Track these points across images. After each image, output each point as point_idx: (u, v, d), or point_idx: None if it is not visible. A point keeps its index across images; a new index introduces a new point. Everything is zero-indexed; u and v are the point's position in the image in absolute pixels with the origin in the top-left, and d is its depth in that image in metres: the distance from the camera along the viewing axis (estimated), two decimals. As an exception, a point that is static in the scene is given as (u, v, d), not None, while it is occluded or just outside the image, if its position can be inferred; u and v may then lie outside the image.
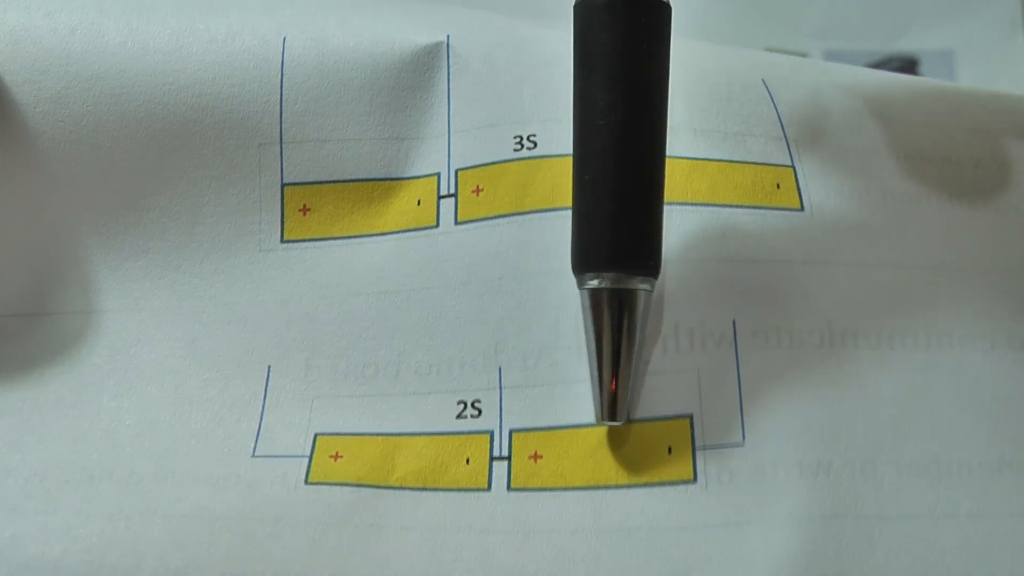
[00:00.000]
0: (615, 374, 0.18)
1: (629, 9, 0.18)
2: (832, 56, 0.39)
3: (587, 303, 0.18)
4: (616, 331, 0.18)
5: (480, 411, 0.19)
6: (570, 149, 0.21)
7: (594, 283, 0.18)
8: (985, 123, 0.23)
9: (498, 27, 0.23)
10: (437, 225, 0.21)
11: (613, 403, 0.18)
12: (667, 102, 0.18)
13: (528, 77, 0.22)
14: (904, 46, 0.39)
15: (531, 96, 0.22)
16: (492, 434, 0.19)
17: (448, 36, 0.22)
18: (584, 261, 0.18)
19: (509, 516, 0.18)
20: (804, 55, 0.38)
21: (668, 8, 0.18)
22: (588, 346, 0.18)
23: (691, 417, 0.19)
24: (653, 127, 0.18)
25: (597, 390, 0.18)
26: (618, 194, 0.18)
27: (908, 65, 0.39)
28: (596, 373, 0.18)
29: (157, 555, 0.18)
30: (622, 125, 0.17)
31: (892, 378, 0.19)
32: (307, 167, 0.22)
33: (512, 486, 0.19)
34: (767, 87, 0.22)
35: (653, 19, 0.18)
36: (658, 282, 0.19)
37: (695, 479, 0.18)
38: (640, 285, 0.18)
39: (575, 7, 0.18)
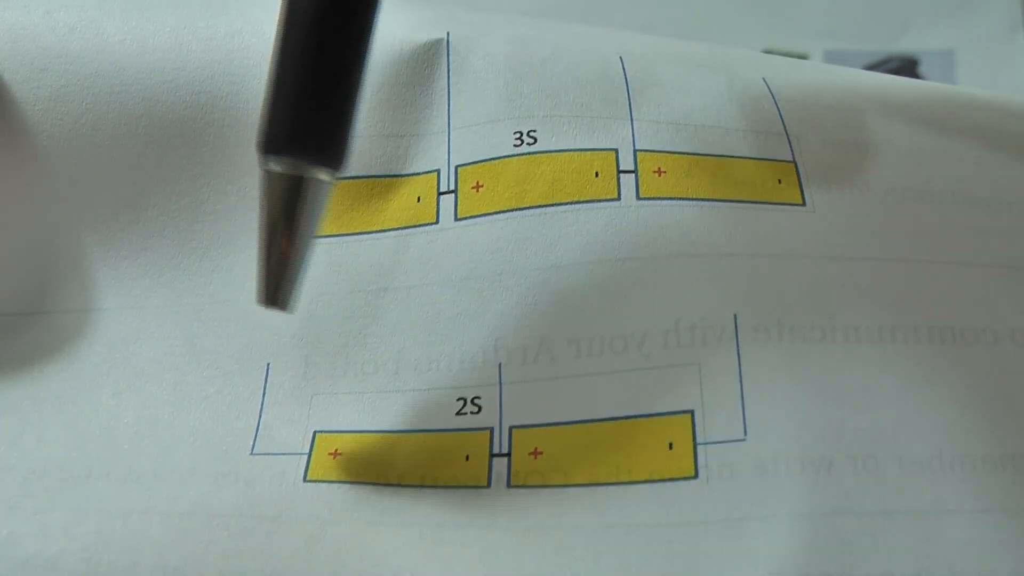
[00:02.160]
0: (283, 260, 0.17)
1: None
2: (832, 56, 0.39)
3: (264, 184, 0.17)
4: (287, 217, 0.17)
5: (480, 407, 0.19)
6: (571, 145, 0.21)
7: (271, 165, 0.17)
8: (986, 122, 0.23)
9: (497, 24, 0.23)
10: (437, 221, 0.21)
11: (276, 288, 0.17)
12: None
13: (528, 73, 0.22)
14: (904, 46, 0.39)
15: (531, 92, 0.22)
16: (492, 431, 0.19)
17: (448, 33, 0.22)
18: (264, 141, 0.17)
19: (509, 513, 0.18)
20: (804, 55, 0.38)
21: None
22: (259, 228, 0.17)
23: (692, 412, 0.18)
24: (356, 21, 0.17)
25: (262, 274, 0.17)
26: (306, 77, 0.17)
27: (908, 65, 0.39)
28: (264, 256, 0.17)
29: (155, 553, 0.17)
30: (323, 8, 0.16)
31: (894, 373, 0.19)
32: (306, 164, 0.21)
33: (512, 483, 0.18)
34: (768, 85, 0.22)
35: None
36: (658, 280, 0.19)
37: (696, 475, 0.18)
38: (318, 174, 0.17)
39: None
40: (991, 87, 0.38)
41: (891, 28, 0.40)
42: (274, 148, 0.17)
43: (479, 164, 0.21)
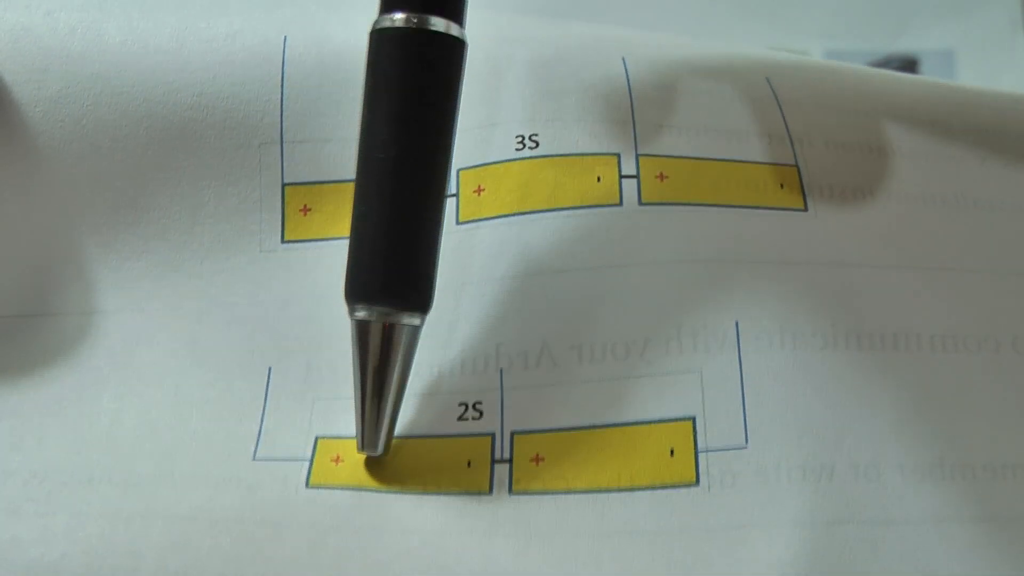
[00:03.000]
0: (377, 406, 0.18)
1: (422, 44, 0.18)
2: (832, 56, 0.39)
3: (355, 333, 0.18)
4: (381, 364, 0.18)
5: (481, 413, 0.19)
6: (573, 149, 0.21)
7: (362, 314, 0.18)
8: (989, 122, 0.23)
9: (500, 26, 0.23)
10: (438, 225, 0.21)
11: (374, 435, 0.18)
12: (452, 139, 0.18)
13: (530, 76, 0.22)
14: (904, 46, 0.39)
15: (533, 95, 0.22)
16: (493, 436, 0.19)
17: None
18: (354, 291, 0.18)
19: (511, 519, 0.18)
20: (804, 55, 0.38)
21: (463, 45, 0.18)
22: (353, 375, 0.18)
23: (694, 419, 0.18)
24: (432, 165, 0.18)
25: (359, 420, 0.18)
26: (390, 229, 0.17)
27: (908, 65, 0.39)
28: (359, 404, 0.18)
29: (157, 557, 0.17)
30: (399, 161, 0.17)
31: (896, 380, 0.19)
32: (308, 167, 0.21)
33: (514, 489, 0.18)
34: (771, 86, 0.22)
35: (446, 56, 0.18)
36: (660, 286, 0.19)
37: (697, 482, 0.18)
38: (408, 320, 0.18)
39: (370, 34, 0.18)
40: (991, 87, 0.38)
41: (891, 28, 0.40)
42: (365, 297, 0.18)
43: (481, 168, 0.21)
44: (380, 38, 0.18)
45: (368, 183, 0.18)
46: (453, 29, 0.18)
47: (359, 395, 0.18)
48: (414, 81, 0.18)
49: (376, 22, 0.18)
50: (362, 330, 0.18)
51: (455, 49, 0.18)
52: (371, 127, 0.18)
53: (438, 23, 0.18)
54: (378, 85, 0.18)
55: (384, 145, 0.17)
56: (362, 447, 0.18)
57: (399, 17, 0.18)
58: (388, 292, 0.18)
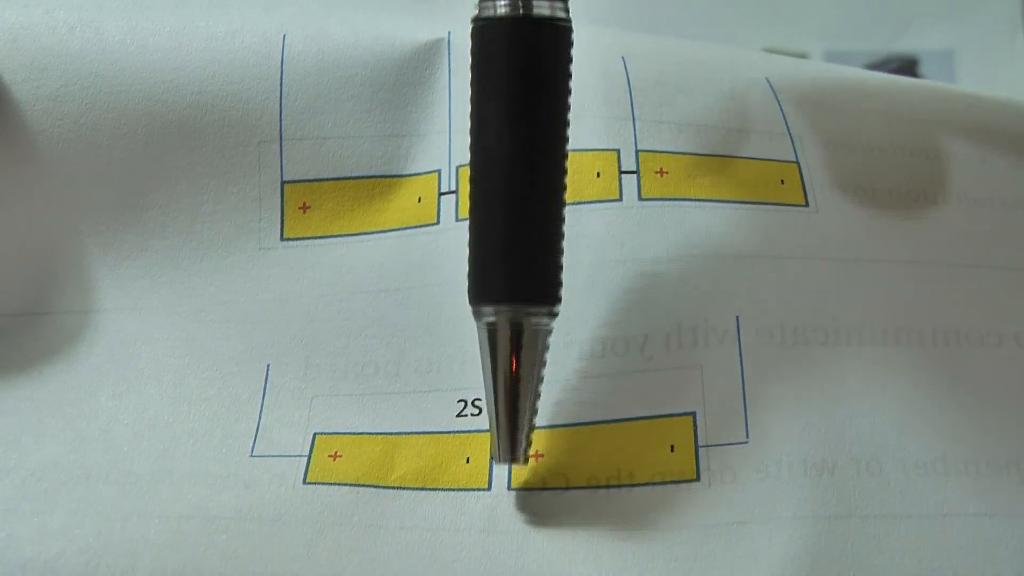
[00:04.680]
0: (514, 414, 0.17)
1: (529, 33, 0.17)
2: (832, 56, 0.39)
3: (484, 339, 0.17)
4: (515, 368, 0.17)
5: (480, 409, 0.19)
6: (572, 145, 0.21)
7: (491, 319, 0.17)
8: (989, 122, 0.23)
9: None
10: (438, 222, 0.21)
11: (512, 444, 0.17)
12: (567, 127, 0.17)
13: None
14: (904, 46, 0.39)
15: (532, 93, 0.22)
16: (493, 433, 0.19)
17: (449, 33, 0.22)
18: (480, 294, 0.17)
19: (509, 516, 0.18)
20: (804, 55, 0.38)
21: (569, 32, 0.17)
22: (485, 383, 0.17)
23: (694, 415, 0.18)
24: (550, 155, 0.17)
25: (495, 430, 0.17)
26: (512, 228, 0.17)
27: (908, 65, 0.39)
28: (493, 412, 0.17)
29: (154, 556, 0.17)
30: (518, 153, 0.17)
31: (897, 376, 0.19)
32: (307, 165, 0.21)
33: (513, 485, 0.18)
34: (771, 84, 0.22)
35: (553, 43, 0.17)
36: (660, 281, 0.19)
37: (698, 477, 0.18)
38: (538, 318, 0.17)
39: (472, 28, 0.17)
40: (991, 87, 0.38)
41: (891, 28, 0.40)
42: (492, 299, 0.17)
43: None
44: (485, 30, 0.17)
45: (485, 181, 0.17)
46: (559, 13, 0.17)
47: (493, 403, 0.17)
48: (526, 70, 0.17)
49: (478, 14, 0.17)
50: (492, 334, 0.17)
51: (563, 35, 0.17)
52: (484, 122, 0.17)
53: (542, 7, 0.17)
54: (487, 77, 0.17)
55: (499, 138, 0.17)
56: (499, 457, 0.17)
57: (503, 5, 0.17)
58: (515, 292, 0.17)
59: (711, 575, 0.17)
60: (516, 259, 0.17)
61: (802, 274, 0.20)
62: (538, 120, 0.17)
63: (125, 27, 0.22)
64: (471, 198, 0.17)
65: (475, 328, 0.20)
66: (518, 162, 0.17)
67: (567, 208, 0.20)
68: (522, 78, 0.17)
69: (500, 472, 0.18)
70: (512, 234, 0.17)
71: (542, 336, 0.17)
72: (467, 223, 0.20)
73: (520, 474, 0.18)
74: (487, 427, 0.19)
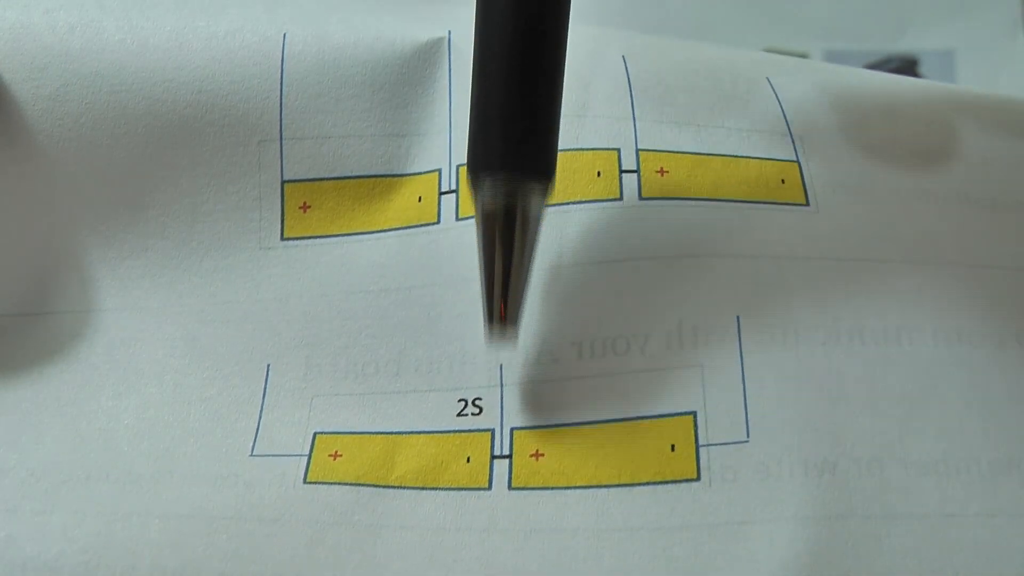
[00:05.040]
0: (506, 279, 0.17)
1: None
2: (832, 56, 0.39)
3: (479, 206, 0.17)
4: (509, 236, 0.17)
5: (481, 409, 0.19)
6: (572, 144, 0.21)
7: (487, 183, 0.17)
8: (989, 122, 0.23)
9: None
10: (439, 221, 0.21)
11: (505, 308, 0.17)
12: (568, 12, 0.17)
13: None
14: (904, 46, 0.39)
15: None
16: (493, 432, 0.19)
17: (449, 32, 0.22)
18: (475, 162, 0.17)
19: (510, 515, 0.18)
20: (804, 55, 0.38)
21: None
22: (480, 254, 0.17)
23: (695, 414, 0.18)
24: (552, 35, 0.17)
25: (487, 300, 0.17)
26: (512, 98, 0.17)
27: (908, 65, 0.39)
28: (488, 279, 0.17)
29: (154, 556, 0.17)
30: (521, 27, 0.17)
31: (899, 375, 0.19)
32: (307, 164, 0.21)
33: (513, 485, 0.18)
34: (771, 84, 0.22)
35: None
36: (660, 281, 0.19)
37: (699, 477, 0.18)
38: (533, 191, 0.17)
39: None
40: (991, 87, 0.38)
41: (891, 28, 0.40)
42: (487, 166, 0.17)
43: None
44: None
45: (486, 56, 0.17)
46: None
47: (488, 272, 0.17)
48: None
49: None
50: (485, 202, 0.17)
51: None
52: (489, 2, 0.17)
53: None
54: None
55: (503, 18, 0.17)
56: (493, 322, 0.17)
57: None
58: (511, 160, 0.17)
59: (712, 575, 0.17)
60: (514, 131, 0.17)
61: (803, 274, 0.20)
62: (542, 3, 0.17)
63: (125, 26, 0.22)
64: (473, 73, 0.17)
65: (476, 328, 0.20)
66: (521, 38, 0.17)
67: (566, 207, 0.20)
68: None
69: (501, 472, 0.18)
70: (511, 107, 0.17)
71: (536, 208, 0.17)
72: (468, 221, 0.21)
73: (521, 474, 0.18)
74: (488, 427, 0.19)
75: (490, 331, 0.18)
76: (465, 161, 0.21)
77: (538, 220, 0.18)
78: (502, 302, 0.17)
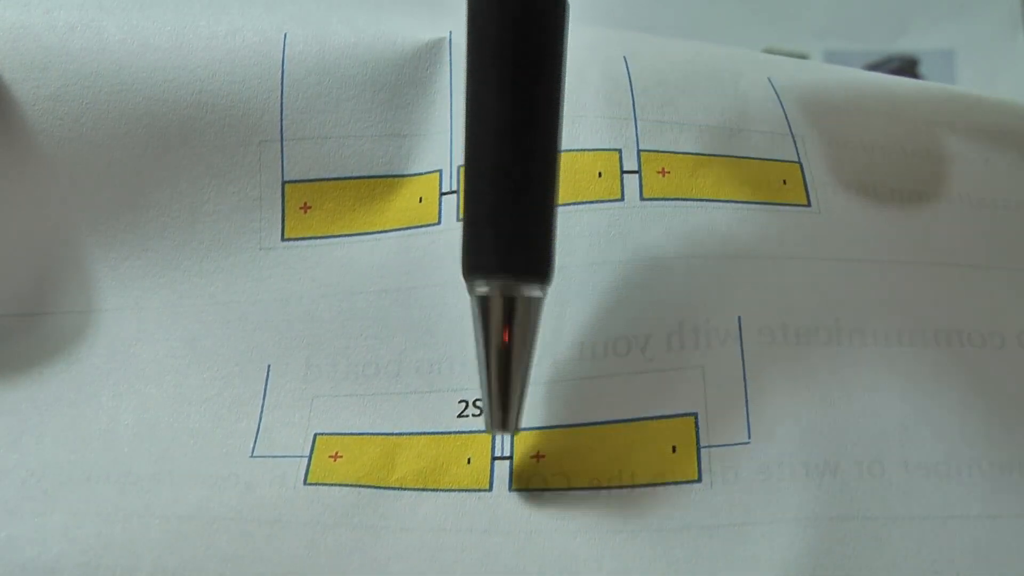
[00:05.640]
0: (506, 383, 0.17)
1: (522, 4, 0.17)
2: (832, 56, 0.39)
3: (476, 310, 0.17)
4: (507, 338, 0.17)
5: (481, 410, 0.19)
6: (574, 145, 0.21)
7: (483, 289, 0.17)
8: (990, 123, 0.23)
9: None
10: (439, 222, 0.21)
11: (504, 413, 0.17)
12: (561, 104, 0.17)
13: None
14: (904, 46, 0.39)
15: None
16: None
17: (450, 32, 0.22)
18: (472, 265, 0.17)
19: (511, 517, 0.18)
20: (804, 55, 0.38)
21: (565, 5, 0.17)
22: (478, 354, 0.17)
23: (696, 416, 0.18)
24: (544, 130, 0.17)
25: (487, 400, 0.17)
26: (505, 198, 0.17)
27: (908, 65, 0.39)
28: (485, 382, 0.17)
29: (154, 556, 0.17)
30: (510, 127, 0.17)
31: (900, 376, 0.19)
32: (308, 164, 0.21)
33: (514, 486, 0.18)
34: (773, 85, 0.22)
35: (548, 15, 0.17)
36: (662, 282, 0.19)
37: (700, 479, 0.18)
38: (530, 291, 0.17)
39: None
40: (991, 87, 0.38)
41: (891, 28, 0.40)
42: (483, 271, 0.17)
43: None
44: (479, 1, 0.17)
45: (477, 152, 0.17)
46: None
47: (485, 373, 0.17)
48: (519, 42, 0.17)
49: None
50: (483, 306, 0.17)
51: (558, 8, 0.17)
52: (476, 92, 0.17)
53: None
54: (481, 46, 0.17)
55: (492, 112, 0.17)
56: (491, 427, 0.17)
57: None
58: (506, 263, 0.17)
59: (713, 576, 0.17)
60: (508, 230, 0.17)
61: (804, 274, 0.20)
62: (530, 95, 0.17)
63: (126, 26, 0.22)
64: (465, 169, 0.17)
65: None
66: (512, 137, 0.17)
67: (568, 208, 0.20)
68: (513, 50, 0.17)
69: (501, 473, 0.18)
70: (504, 205, 0.17)
71: (535, 306, 0.17)
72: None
73: (522, 475, 0.18)
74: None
75: (490, 428, 0.17)
76: (462, 163, 0.21)
77: (537, 320, 0.17)
78: (500, 410, 0.17)
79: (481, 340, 0.17)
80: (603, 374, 0.19)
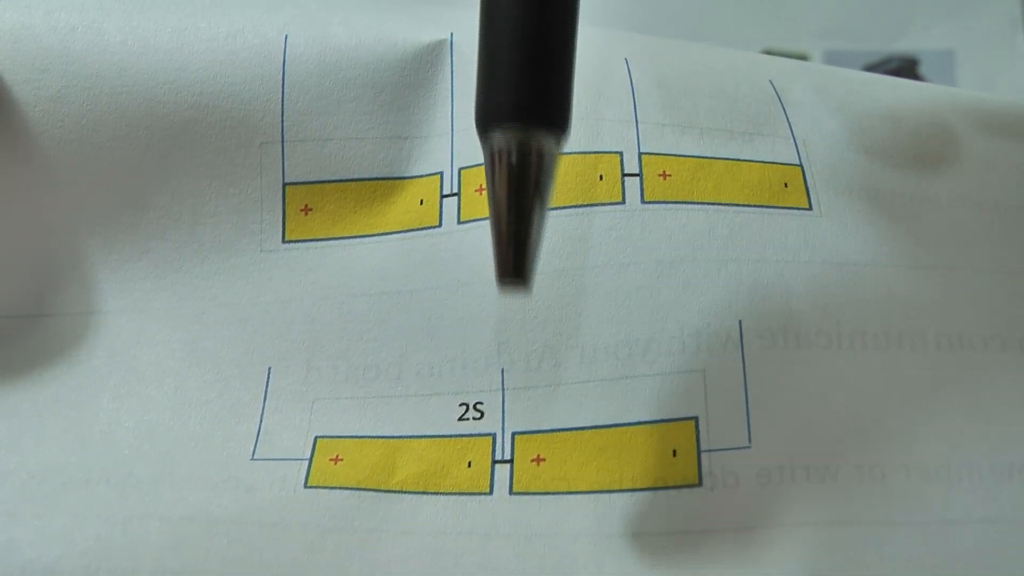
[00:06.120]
0: (523, 227, 0.16)
1: None
2: (832, 56, 0.39)
3: (489, 160, 0.16)
4: (521, 188, 0.16)
5: (482, 413, 0.19)
6: (575, 147, 0.21)
7: (496, 137, 0.16)
8: (991, 125, 0.23)
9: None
10: (440, 225, 0.21)
11: (520, 258, 0.16)
12: None
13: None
14: (904, 46, 0.39)
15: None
16: (494, 437, 0.19)
17: (451, 34, 0.22)
18: (485, 114, 0.16)
19: (511, 520, 0.18)
20: (804, 55, 0.38)
21: None
22: (490, 205, 0.16)
23: (696, 419, 0.18)
24: None
25: (500, 249, 0.16)
26: (523, 42, 0.16)
27: (908, 65, 0.39)
28: (499, 233, 0.16)
29: (154, 559, 0.17)
30: None
31: (901, 380, 0.19)
32: (309, 166, 0.21)
33: (514, 490, 0.18)
34: (775, 88, 0.22)
35: None
36: (663, 285, 0.19)
37: (700, 483, 0.18)
38: (547, 140, 0.16)
39: None
40: (991, 87, 0.38)
41: (891, 28, 0.40)
42: (497, 118, 0.16)
43: (482, 167, 0.21)
44: None
45: (495, 9, 0.16)
46: None
47: (499, 227, 0.16)
48: None
49: None
50: (495, 156, 0.16)
51: None
52: None
53: None
54: None
55: None
56: (505, 275, 0.16)
57: None
58: (523, 111, 0.16)
59: (713, 580, 0.17)
60: (526, 78, 0.16)
61: (805, 278, 0.20)
62: None
63: (126, 28, 0.22)
64: (480, 24, 0.16)
65: (478, 332, 0.20)
66: None
67: (569, 211, 0.20)
68: None
69: (502, 476, 0.18)
70: (523, 51, 0.16)
71: (551, 153, 0.16)
72: (469, 225, 0.21)
73: (522, 478, 0.18)
74: (489, 431, 0.19)
75: (502, 283, 0.16)
76: (466, 160, 0.21)
77: (552, 173, 0.16)
78: (513, 253, 0.16)
79: (494, 190, 0.16)
80: (604, 378, 0.19)
